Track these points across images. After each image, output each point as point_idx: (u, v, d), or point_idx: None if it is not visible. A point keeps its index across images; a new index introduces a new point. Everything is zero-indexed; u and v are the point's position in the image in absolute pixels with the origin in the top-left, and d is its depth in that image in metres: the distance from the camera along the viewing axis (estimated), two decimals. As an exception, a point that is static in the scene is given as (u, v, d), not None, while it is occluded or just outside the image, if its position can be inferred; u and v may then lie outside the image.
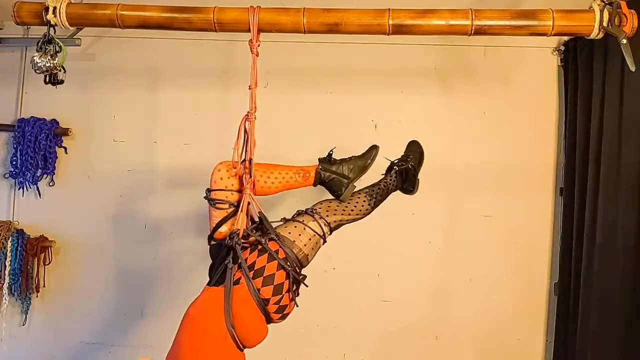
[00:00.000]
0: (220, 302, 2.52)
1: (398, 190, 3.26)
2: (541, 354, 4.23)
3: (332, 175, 3.00)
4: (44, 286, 4.29)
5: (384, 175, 3.23)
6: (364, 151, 3.13)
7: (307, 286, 2.74)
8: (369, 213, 3.07)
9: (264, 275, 2.56)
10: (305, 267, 2.77)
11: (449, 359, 4.25)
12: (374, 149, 3.14)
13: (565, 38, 4.01)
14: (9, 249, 4.10)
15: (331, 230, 2.92)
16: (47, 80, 3.07)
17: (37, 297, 4.32)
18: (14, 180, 4.26)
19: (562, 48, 4.09)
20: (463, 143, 4.14)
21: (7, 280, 4.12)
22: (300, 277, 2.71)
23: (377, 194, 3.10)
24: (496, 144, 4.13)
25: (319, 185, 3.03)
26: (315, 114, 4.25)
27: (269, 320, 2.64)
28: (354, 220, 3.02)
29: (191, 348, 2.46)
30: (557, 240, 4.15)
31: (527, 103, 4.18)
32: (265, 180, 2.86)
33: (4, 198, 4.34)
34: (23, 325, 4.31)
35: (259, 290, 2.55)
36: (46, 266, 4.27)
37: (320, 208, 2.93)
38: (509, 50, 4.14)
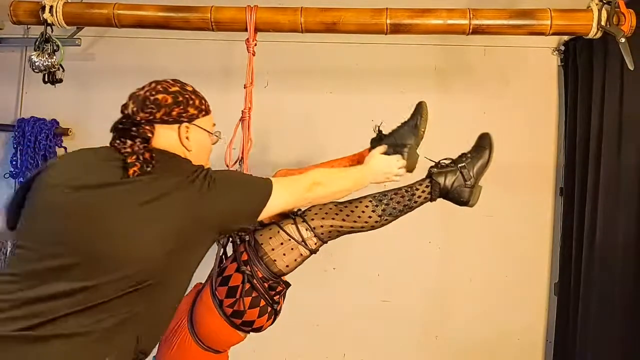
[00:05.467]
0: (193, 297, 2.54)
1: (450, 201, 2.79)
2: (541, 354, 4.23)
3: (390, 150, 2.71)
4: (44, 286, 4.28)
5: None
6: (411, 113, 2.90)
7: (272, 299, 2.52)
8: (378, 223, 2.64)
9: (223, 275, 2.48)
10: (280, 275, 2.54)
11: (448, 359, 4.25)
12: (419, 105, 2.89)
13: (565, 38, 4.01)
14: (8, 249, 4.09)
15: (319, 237, 2.59)
16: (47, 80, 3.08)
17: (37, 297, 4.30)
18: (14, 180, 4.25)
19: (562, 48, 4.09)
20: (463, 143, 4.12)
21: (6, 280, 4.12)
22: (266, 284, 2.49)
23: (392, 201, 2.65)
24: (496, 144, 4.11)
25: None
26: (315, 114, 4.24)
27: (235, 326, 2.48)
28: (354, 229, 2.63)
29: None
30: (557, 240, 4.14)
31: (527, 103, 4.17)
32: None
33: (4, 198, 4.32)
34: (23, 325, 4.30)
35: (217, 289, 2.45)
36: (46, 266, 4.26)
37: (310, 210, 2.61)
38: (509, 50, 4.13)
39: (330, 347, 4.31)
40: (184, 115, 2.15)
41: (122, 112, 2.14)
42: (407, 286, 4.24)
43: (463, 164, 2.80)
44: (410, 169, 2.68)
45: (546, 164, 4.19)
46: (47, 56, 2.98)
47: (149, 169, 1.97)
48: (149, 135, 2.07)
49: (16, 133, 4.21)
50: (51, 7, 2.87)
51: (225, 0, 2.96)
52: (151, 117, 2.08)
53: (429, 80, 4.24)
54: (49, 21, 2.89)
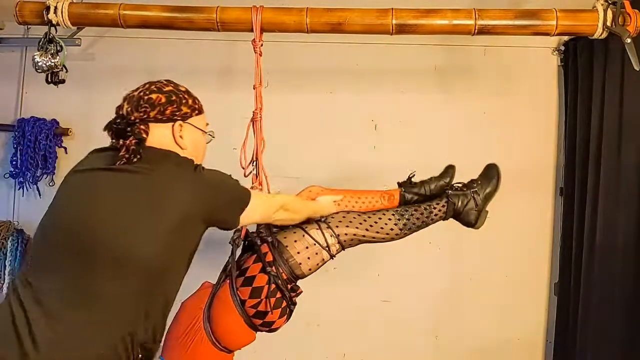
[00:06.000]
0: (207, 297, 2.53)
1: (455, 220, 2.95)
2: (541, 354, 4.24)
3: (415, 197, 2.91)
4: (43, 286, 4.26)
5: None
6: (441, 172, 3.02)
7: (291, 300, 2.58)
8: (398, 236, 2.81)
9: (246, 275, 2.50)
10: (300, 277, 2.62)
11: (449, 358, 4.26)
12: (450, 168, 3.03)
13: (566, 38, 4.01)
14: (9, 249, 4.08)
15: (341, 244, 2.68)
16: (50, 80, 3.08)
17: (36, 297, 4.28)
18: (14, 180, 4.24)
19: (562, 48, 4.09)
20: (463, 143, 4.13)
21: (7, 280, 4.10)
22: (289, 286, 2.56)
23: (412, 217, 2.80)
24: (496, 144, 4.13)
25: None
26: (316, 114, 4.24)
27: (253, 326, 2.52)
28: (375, 239, 2.77)
29: (169, 336, 2.46)
30: (557, 240, 4.15)
31: (527, 103, 4.17)
32: (353, 205, 2.83)
33: (4, 198, 4.33)
34: (23, 325, 4.28)
35: (237, 288, 2.48)
36: (46, 266, 4.25)
37: (333, 217, 2.72)
38: (509, 50, 4.13)
39: (330, 347, 4.31)
40: (177, 113, 2.22)
41: (116, 113, 2.21)
42: (407, 286, 4.25)
43: (475, 189, 2.92)
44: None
45: (546, 164, 4.19)
46: (50, 56, 2.98)
47: (135, 159, 2.04)
48: (144, 135, 2.12)
49: (16, 133, 4.19)
50: (56, 7, 2.87)
51: (229, 0, 2.97)
52: (145, 116, 2.15)
53: (429, 80, 4.24)
54: (53, 22, 2.90)
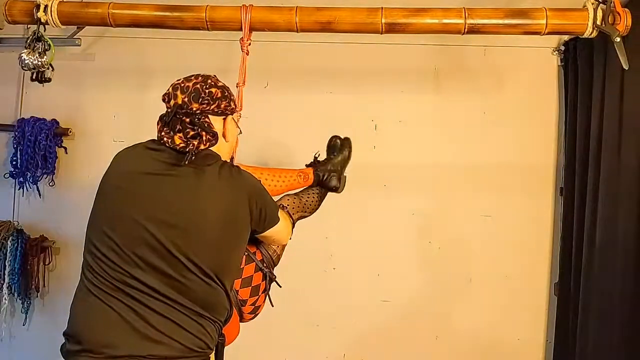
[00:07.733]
0: None
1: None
2: (541, 354, 4.22)
3: (326, 174, 3.12)
4: (44, 286, 4.30)
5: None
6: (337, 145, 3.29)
7: (280, 286, 2.76)
8: (316, 210, 3.14)
9: (242, 277, 2.59)
10: (276, 266, 2.80)
11: (449, 359, 4.24)
12: (348, 140, 3.28)
13: (566, 38, 3.99)
14: (9, 249, 4.10)
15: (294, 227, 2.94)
16: (34, 78, 3.09)
17: (37, 297, 4.32)
18: (14, 180, 4.24)
19: (562, 48, 4.06)
20: (463, 143, 4.12)
21: (7, 280, 4.12)
22: (274, 277, 2.76)
23: (323, 193, 3.17)
24: (496, 144, 4.11)
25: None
26: (315, 114, 4.22)
27: (242, 319, 2.65)
28: (307, 216, 3.08)
29: None
30: (557, 240, 4.12)
31: (527, 103, 4.15)
32: (276, 184, 2.93)
33: (4, 198, 4.34)
34: (23, 325, 4.31)
35: (237, 291, 2.56)
36: (46, 266, 4.28)
37: (288, 206, 2.94)
38: (509, 50, 4.11)
39: (330, 347, 4.30)
40: (228, 108, 2.35)
41: (166, 101, 2.29)
42: (407, 286, 4.24)
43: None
44: (341, 189, 3.21)
45: (546, 164, 4.17)
46: (37, 55, 3.00)
47: (187, 161, 2.16)
48: (212, 125, 2.27)
49: (16, 133, 4.19)
50: (46, 6, 2.88)
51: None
52: (207, 108, 2.26)
53: (429, 80, 4.23)
54: (42, 20, 2.90)
